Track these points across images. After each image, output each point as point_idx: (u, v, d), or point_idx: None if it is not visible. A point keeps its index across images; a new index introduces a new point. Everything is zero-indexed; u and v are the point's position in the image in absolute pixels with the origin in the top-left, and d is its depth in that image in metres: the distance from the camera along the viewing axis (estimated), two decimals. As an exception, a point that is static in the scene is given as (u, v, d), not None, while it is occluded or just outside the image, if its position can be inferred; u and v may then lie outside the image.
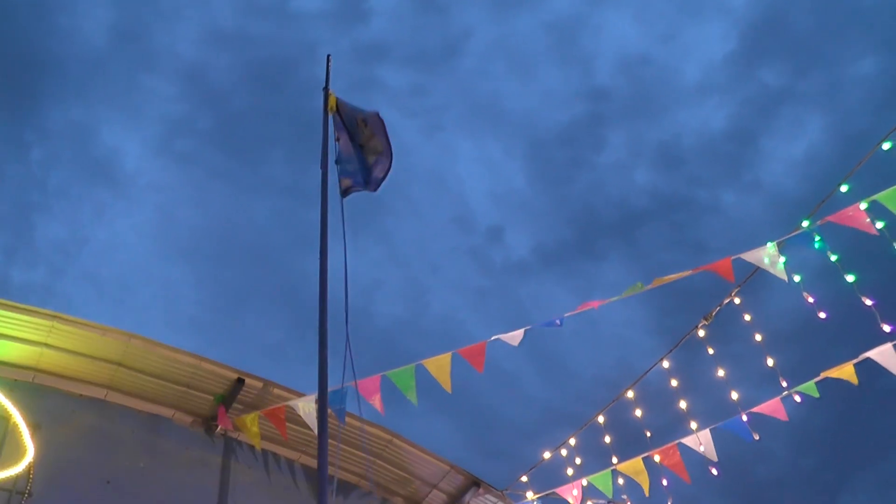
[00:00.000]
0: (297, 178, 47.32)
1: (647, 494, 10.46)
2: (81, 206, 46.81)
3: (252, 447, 10.41)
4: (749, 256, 9.00)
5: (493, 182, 50.10)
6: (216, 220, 48.18)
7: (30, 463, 8.38)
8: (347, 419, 9.89)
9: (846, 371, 9.43)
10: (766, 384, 10.12)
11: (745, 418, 9.81)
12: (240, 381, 9.82)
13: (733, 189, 43.81)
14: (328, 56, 7.15)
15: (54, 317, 8.87)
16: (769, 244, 8.90)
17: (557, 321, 9.34)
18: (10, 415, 8.56)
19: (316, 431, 5.21)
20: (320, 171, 6.33)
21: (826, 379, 9.53)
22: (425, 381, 9.47)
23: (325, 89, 6.81)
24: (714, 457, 10.04)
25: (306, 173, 46.66)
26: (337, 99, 6.78)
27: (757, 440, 9.79)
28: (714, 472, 10.10)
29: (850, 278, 8.52)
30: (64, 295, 45.50)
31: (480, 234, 49.67)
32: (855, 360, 9.49)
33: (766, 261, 8.89)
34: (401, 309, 48.86)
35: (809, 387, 9.49)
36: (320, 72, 7.11)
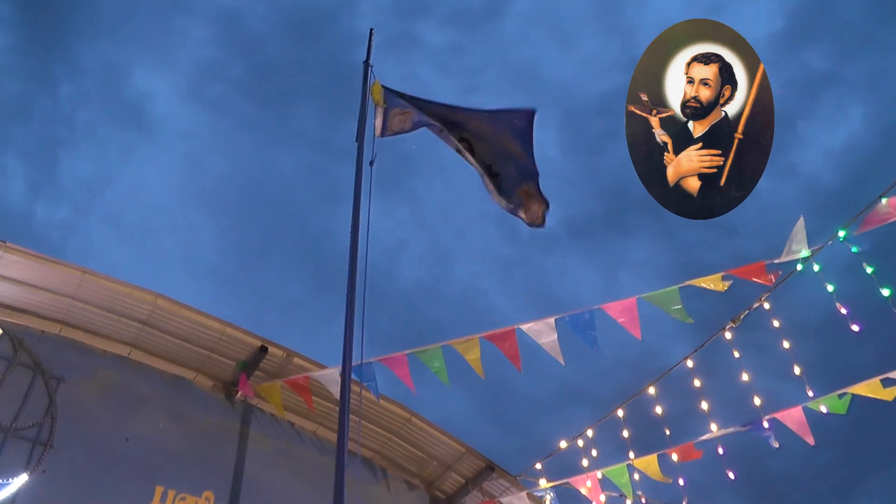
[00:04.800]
0: (328, 133, 47.16)
1: (668, 481, 10.44)
2: (108, 147, 46.78)
3: (271, 415, 10.49)
4: (783, 262, 8.89)
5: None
6: (243, 170, 48.16)
7: (53, 416, 8.48)
8: (368, 395, 9.92)
9: (874, 386, 9.35)
10: (789, 387, 10.02)
11: (766, 425, 9.74)
12: (263, 349, 9.85)
13: (767, 172, 42.77)
14: (371, 30, 7.08)
15: (84, 271, 8.91)
16: (803, 251, 8.77)
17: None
18: (39, 364, 8.68)
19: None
20: (356, 144, 6.31)
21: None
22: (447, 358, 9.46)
23: (366, 62, 6.77)
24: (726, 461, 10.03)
25: (337, 128, 46.42)
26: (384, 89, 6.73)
27: (777, 448, 9.75)
28: (731, 475, 10.07)
29: (885, 292, 8.38)
30: (86, 234, 45.76)
31: (508, 200, 49.23)
32: (881, 377, 9.41)
33: (800, 268, 8.78)
34: (423, 272, 48.86)
35: (834, 403, 9.44)
36: (358, 25, 7.11)
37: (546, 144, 48.57)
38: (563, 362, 9.11)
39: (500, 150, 6.56)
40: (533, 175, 6.54)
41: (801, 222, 8.72)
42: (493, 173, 6.56)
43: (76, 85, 45.13)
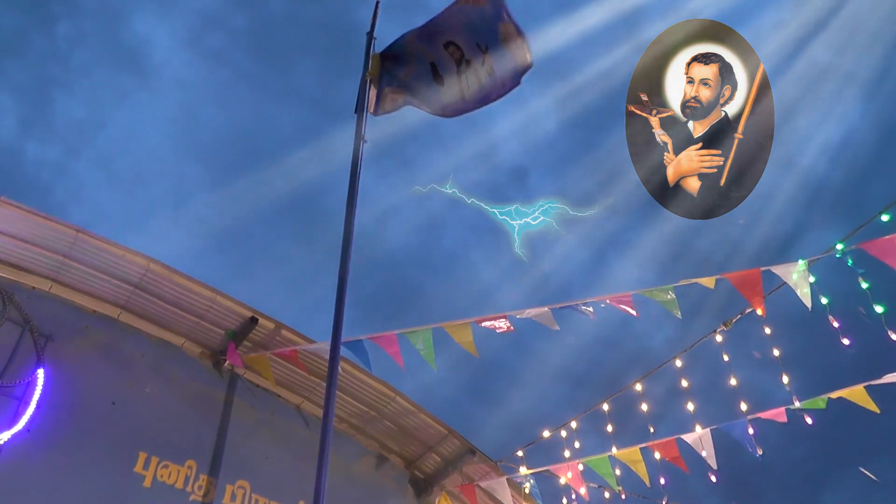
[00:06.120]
0: (327, 92, 46.81)
1: (647, 485, 10.52)
2: (103, 90, 46.36)
3: (256, 386, 10.49)
4: (778, 270, 8.88)
5: (523, 122, 49.36)
6: (239, 123, 47.86)
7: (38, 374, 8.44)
8: (354, 371, 9.93)
9: (858, 393, 9.42)
10: (771, 383, 10.07)
11: (751, 431, 9.80)
12: (253, 320, 9.78)
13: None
14: (377, 1, 6.97)
15: (78, 230, 8.82)
16: (800, 261, 8.78)
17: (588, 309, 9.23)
18: (28, 320, 8.61)
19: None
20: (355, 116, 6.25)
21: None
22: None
23: (370, 34, 6.67)
24: (714, 463, 10.07)
25: (336, 87, 46.08)
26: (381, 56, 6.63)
27: (760, 454, 9.81)
28: (713, 478, 10.14)
29: (879, 309, 8.40)
30: (76, 176, 45.48)
31: (503, 173, 49.17)
32: (865, 384, 9.47)
33: (795, 277, 8.78)
34: (412, 238, 48.83)
35: (815, 402, 9.53)
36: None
37: (545, 118, 48.43)
38: (556, 328, 9.12)
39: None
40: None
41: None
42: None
43: (74, 24, 44.65)
